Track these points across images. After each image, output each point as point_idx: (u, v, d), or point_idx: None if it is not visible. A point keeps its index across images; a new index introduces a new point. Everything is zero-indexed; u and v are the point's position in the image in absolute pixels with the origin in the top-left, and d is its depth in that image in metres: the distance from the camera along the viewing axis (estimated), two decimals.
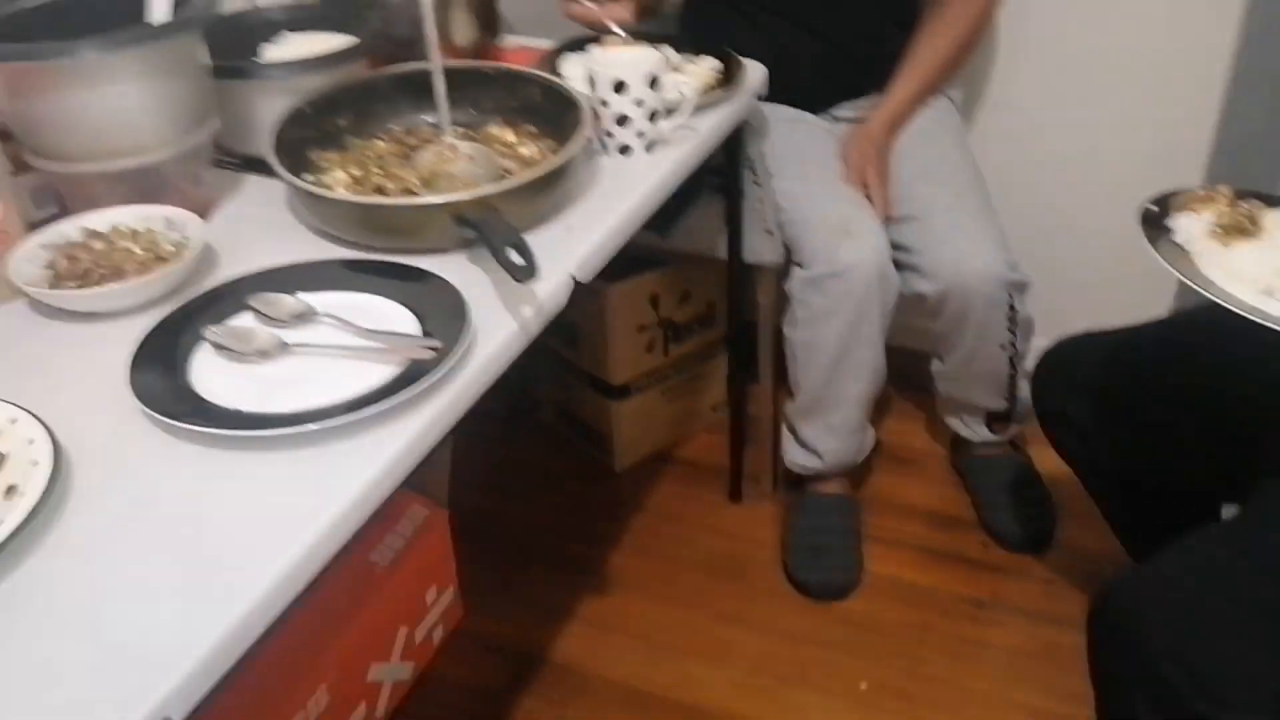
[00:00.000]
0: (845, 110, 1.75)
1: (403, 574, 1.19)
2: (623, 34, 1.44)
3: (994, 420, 1.78)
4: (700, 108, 1.31)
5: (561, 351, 1.96)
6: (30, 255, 1.00)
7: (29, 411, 0.82)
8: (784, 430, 1.76)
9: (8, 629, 0.69)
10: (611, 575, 1.78)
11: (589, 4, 1.48)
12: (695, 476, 1.96)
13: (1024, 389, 1.72)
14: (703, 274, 1.86)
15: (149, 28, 1.05)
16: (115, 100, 1.02)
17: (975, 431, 1.80)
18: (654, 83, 1.22)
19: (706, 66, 1.43)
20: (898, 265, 1.56)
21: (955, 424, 1.82)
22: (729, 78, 1.41)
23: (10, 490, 0.75)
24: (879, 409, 1.76)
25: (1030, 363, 1.65)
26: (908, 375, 1.90)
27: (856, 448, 1.73)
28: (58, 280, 0.99)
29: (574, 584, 1.76)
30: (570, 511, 1.91)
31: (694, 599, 1.73)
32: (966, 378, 1.70)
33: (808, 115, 1.72)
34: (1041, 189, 1.96)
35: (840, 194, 1.58)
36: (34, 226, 1.06)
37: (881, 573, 1.75)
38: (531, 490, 1.95)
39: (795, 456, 1.75)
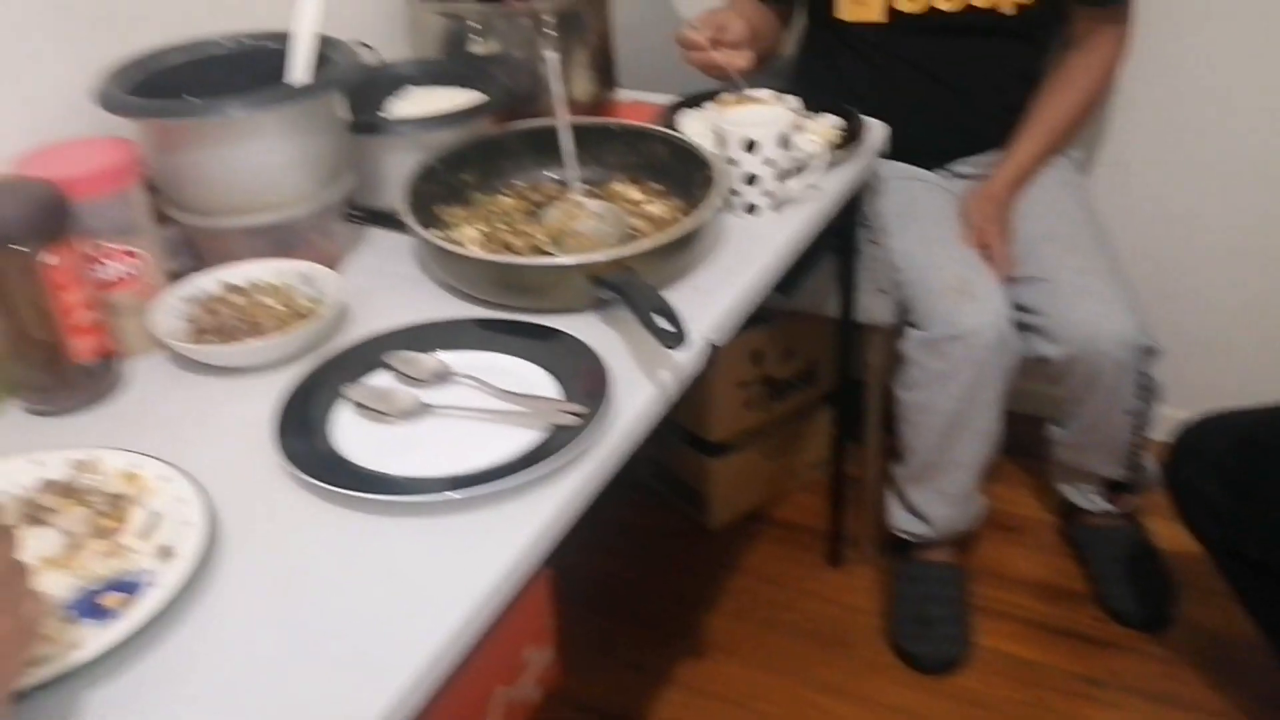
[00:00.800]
0: (964, 167, 1.72)
1: (503, 632, 1.16)
2: (744, 86, 1.42)
3: (1112, 490, 1.71)
4: (827, 166, 1.29)
5: None
6: (170, 308, 1.01)
7: (180, 470, 0.81)
8: (890, 494, 1.71)
9: (166, 695, 0.67)
10: (707, 638, 1.74)
11: (712, 52, 1.46)
12: (793, 538, 1.92)
13: (1147, 459, 1.66)
14: (807, 330, 1.83)
15: (294, 87, 1.06)
16: (259, 157, 1.02)
17: (1091, 501, 1.74)
18: (784, 141, 1.20)
19: (829, 124, 1.41)
20: (1020, 327, 1.52)
21: (1070, 492, 1.76)
22: (851, 135, 1.39)
23: (165, 551, 0.74)
24: (986, 473, 1.71)
25: (1155, 432, 1.61)
26: (1017, 439, 1.84)
27: (968, 515, 1.68)
28: (198, 334, 0.99)
29: (669, 645, 1.72)
30: (665, 570, 1.88)
31: (792, 666, 1.68)
32: (1087, 445, 1.64)
33: (924, 172, 1.69)
34: (1163, 251, 1.90)
35: (960, 255, 1.55)
36: (170, 278, 1.07)
37: (990, 646, 1.68)
38: (625, 547, 1.92)
39: (902, 522, 1.70)
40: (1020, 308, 1.52)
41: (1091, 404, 1.54)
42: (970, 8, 1.57)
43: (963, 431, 1.55)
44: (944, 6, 1.57)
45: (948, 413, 1.53)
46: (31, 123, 1.05)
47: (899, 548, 1.76)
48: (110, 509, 0.77)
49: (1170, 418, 1.53)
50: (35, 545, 0.73)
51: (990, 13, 1.57)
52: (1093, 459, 1.67)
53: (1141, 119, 1.84)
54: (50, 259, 0.87)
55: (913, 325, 1.54)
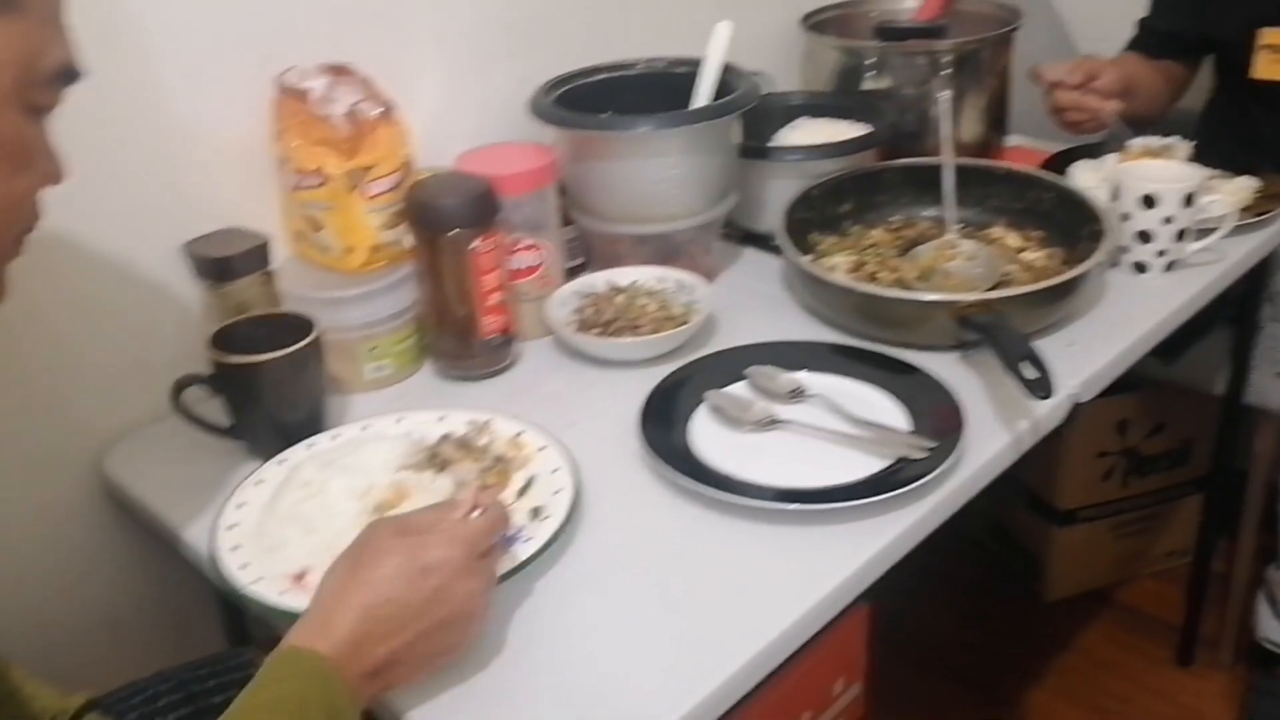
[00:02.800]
0: None
1: (817, 658, 1.17)
2: (1125, 135, 1.35)
3: None
4: (1233, 231, 1.19)
5: None
6: (564, 300, 1.12)
7: (557, 441, 0.90)
8: (1261, 598, 1.54)
9: (522, 636, 0.76)
10: (1032, 712, 1.65)
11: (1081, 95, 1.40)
12: (1137, 626, 1.77)
13: None
14: (1184, 406, 1.69)
15: (695, 110, 1.14)
16: (657, 172, 1.11)
17: None
18: (1190, 200, 1.13)
19: (1243, 185, 1.30)
20: None
21: None
22: (1268, 200, 1.28)
23: (536, 511, 0.83)
24: None
25: None
26: None
27: None
28: (583, 326, 1.09)
29: (987, 710, 1.65)
30: (990, 633, 1.80)
31: None
32: None
33: None
34: None
35: None
36: (566, 274, 1.18)
37: None
38: (949, 601, 1.86)
39: (1270, 631, 1.53)
40: None
41: None
42: None
43: None
44: None
45: None
46: (477, 127, 1.21)
47: (1262, 660, 1.57)
48: (496, 467, 0.88)
49: None
50: (433, 487, 0.84)
51: None
52: None
53: None
54: (478, 245, 1.00)
55: None
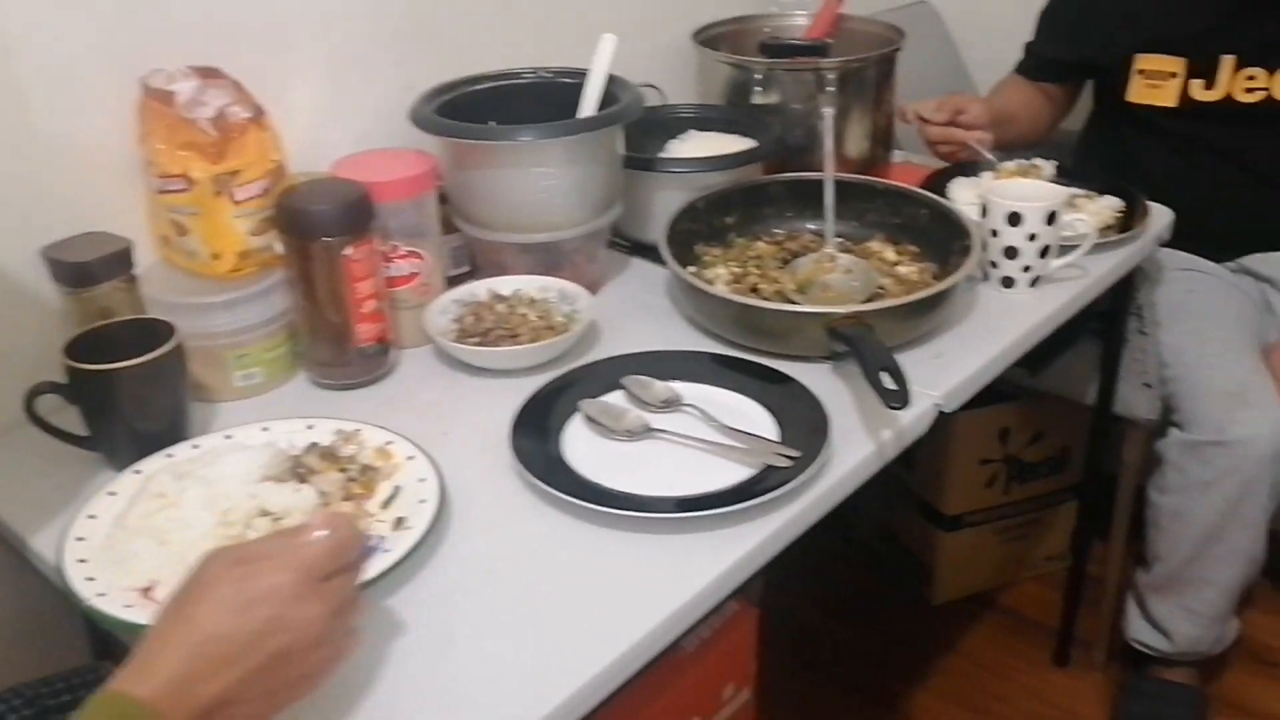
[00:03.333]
0: (1255, 263, 1.60)
1: (706, 664, 1.19)
2: (994, 161, 1.40)
3: None
4: (1095, 248, 1.24)
5: (893, 469, 1.90)
6: (444, 308, 1.12)
7: (425, 452, 0.90)
8: (1130, 601, 1.60)
9: (375, 649, 0.75)
10: (915, 714, 1.69)
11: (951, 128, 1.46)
12: (1018, 629, 1.83)
13: None
14: (1062, 415, 1.75)
15: (583, 120, 1.15)
16: (542, 181, 1.11)
17: None
18: (1052, 218, 1.17)
19: (1106, 204, 1.36)
20: None
21: None
22: (1130, 219, 1.33)
23: (400, 522, 0.83)
24: (1246, 597, 1.56)
25: None
26: None
27: (1215, 638, 1.54)
28: (462, 334, 1.09)
29: (871, 713, 1.69)
30: (878, 635, 1.84)
31: None
32: None
33: (1209, 264, 1.59)
34: None
35: (1238, 358, 1.44)
36: (449, 282, 1.18)
37: None
38: (839, 605, 1.90)
39: (1139, 633, 1.59)
40: None
41: None
42: (1271, 100, 1.49)
43: (1218, 546, 1.43)
44: (1242, 98, 1.50)
45: (1204, 524, 1.42)
46: (360, 133, 1.20)
47: (1133, 660, 1.64)
48: (361, 477, 0.87)
49: None
50: (293, 498, 0.83)
51: None
52: None
53: None
54: (352, 252, 0.99)
55: (1176, 425, 1.44)
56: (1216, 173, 1.54)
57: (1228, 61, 1.49)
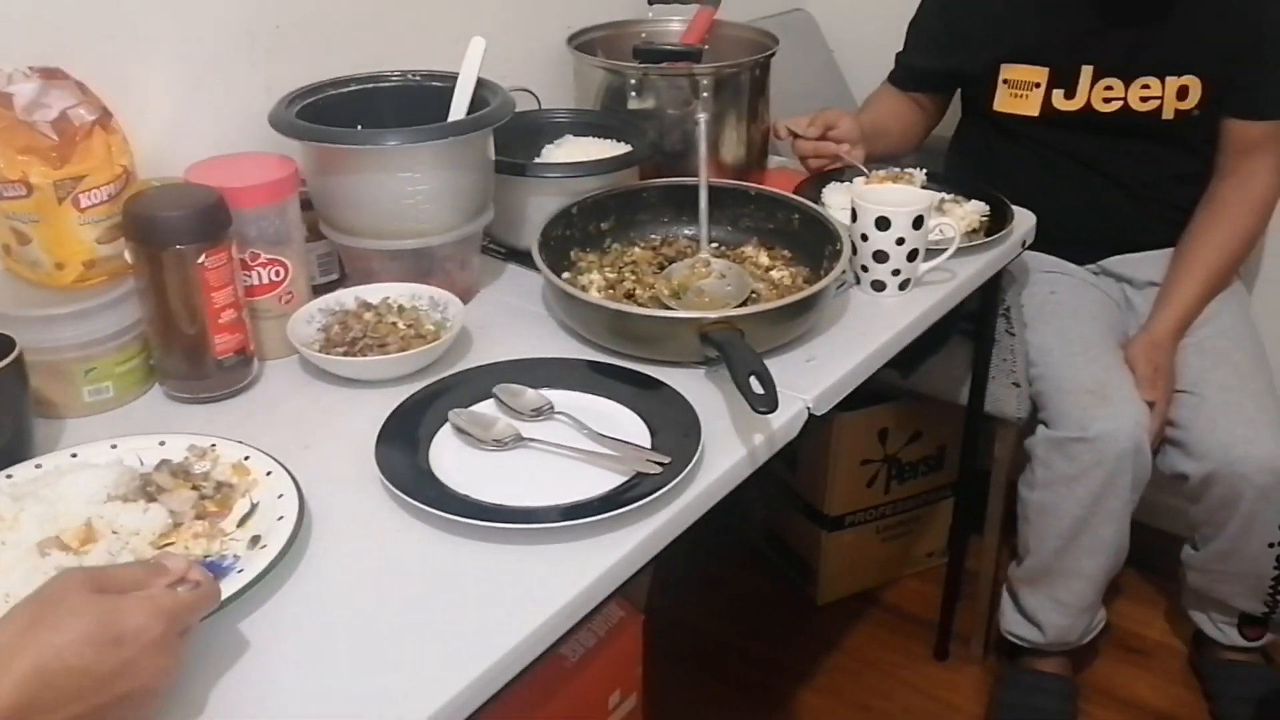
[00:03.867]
0: (1115, 264, 1.67)
1: (591, 673, 1.18)
2: (865, 172, 1.43)
3: (1247, 624, 1.60)
4: (962, 251, 1.27)
5: (778, 472, 1.93)
6: (309, 317, 1.08)
7: (284, 466, 0.87)
8: (1005, 594, 1.65)
9: (230, 675, 0.72)
10: (799, 713, 1.71)
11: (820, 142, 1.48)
12: (900, 625, 1.87)
13: None
14: (938, 415, 1.79)
15: (449, 124, 1.13)
16: (409, 186, 1.09)
17: (1223, 633, 1.63)
18: (918, 222, 1.19)
19: (973, 209, 1.39)
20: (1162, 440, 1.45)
21: (1201, 620, 1.65)
22: (996, 223, 1.37)
23: (255, 540, 0.80)
24: (1113, 587, 1.62)
25: None
26: (1152, 557, 1.74)
27: (1084, 628, 1.60)
28: (328, 344, 1.06)
29: (758, 713, 1.70)
30: (764, 637, 1.86)
31: None
32: (1222, 573, 1.54)
33: (1071, 267, 1.65)
34: None
35: (1098, 356, 1.49)
36: (316, 290, 1.15)
37: None
38: (727, 608, 1.91)
39: (1012, 625, 1.64)
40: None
41: (1229, 530, 1.45)
42: (1128, 109, 1.54)
43: (1085, 539, 1.48)
44: (1101, 108, 1.55)
45: (1071, 517, 1.47)
46: (219, 137, 1.16)
47: (1009, 651, 1.69)
48: (216, 495, 0.84)
49: None
50: (141, 518, 0.79)
51: (1149, 115, 1.54)
52: (1227, 588, 1.56)
53: None
54: (205, 260, 0.95)
55: (1043, 423, 1.49)
56: (1077, 180, 1.60)
57: (1087, 72, 1.55)
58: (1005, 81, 1.60)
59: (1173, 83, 1.52)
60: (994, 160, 1.65)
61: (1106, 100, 1.55)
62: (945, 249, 1.24)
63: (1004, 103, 1.61)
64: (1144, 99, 1.54)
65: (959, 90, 1.72)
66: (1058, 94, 1.57)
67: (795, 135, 1.49)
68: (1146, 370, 1.50)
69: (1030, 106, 1.59)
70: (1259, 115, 1.54)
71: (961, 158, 1.73)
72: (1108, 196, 1.62)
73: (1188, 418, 1.45)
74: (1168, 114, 1.54)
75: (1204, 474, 1.43)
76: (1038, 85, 1.58)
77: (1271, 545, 1.46)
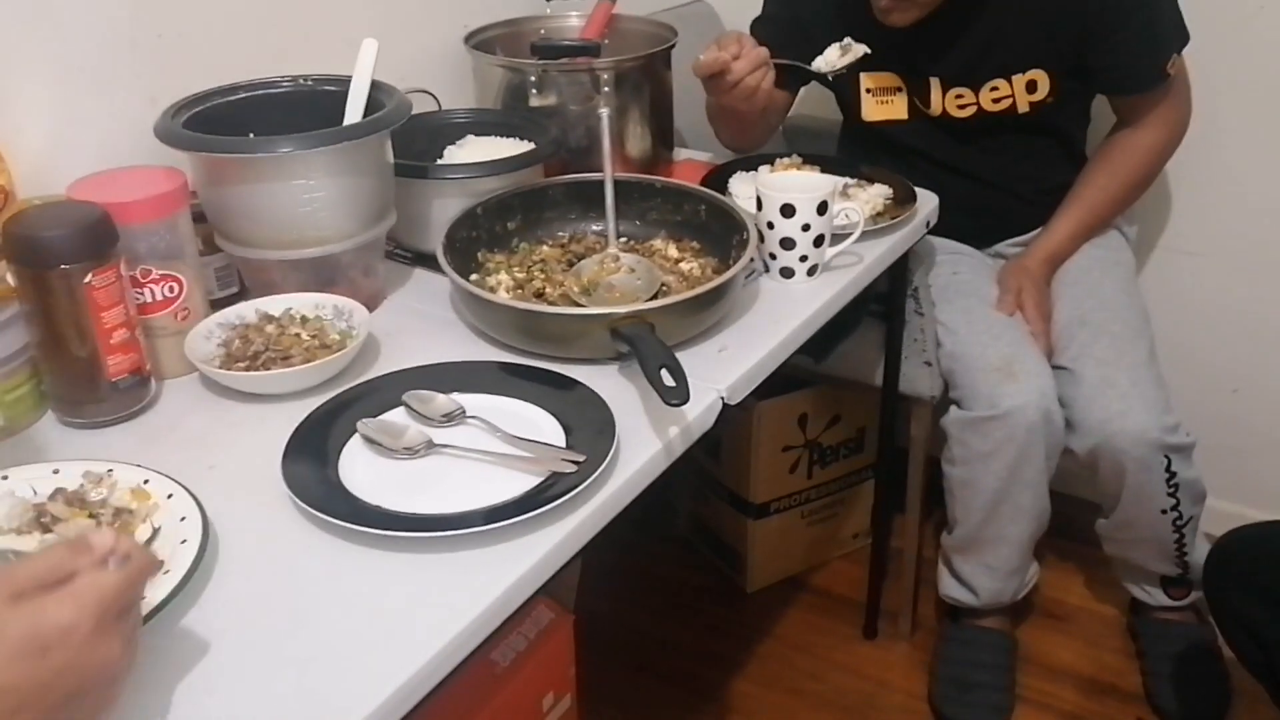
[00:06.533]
0: (1008, 248, 1.71)
1: (523, 676, 1.17)
2: (792, 157, 1.44)
3: (1169, 585, 1.65)
4: (867, 234, 1.29)
5: (703, 463, 1.94)
6: (208, 333, 1.05)
7: (185, 488, 0.84)
8: (940, 562, 1.68)
9: (132, 711, 0.69)
10: (733, 702, 1.71)
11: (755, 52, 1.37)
12: (829, 607, 1.88)
13: (1200, 554, 1.59)
14: (855, 398, 1.81)
15: (343, 129, 1.10)
16: (304, 194, 1.06)
17: (1150, 595, 1.67)
18: (823, 208, 1.20)
19: (876, 193, 1.41)
20: None
21: (1130, 585, 1.70)
22: (899, 205, 1.39)
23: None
24: (1036, 552, 1.66)
25: (1206, 524, 1.55)
26: (1073, 524, 1.78)
27: (1015, 588, 1.64)
28: (229, 360, 1.03)
29: (693, 705, 1.70)
30: (696, 629, 1.86)
31: None
32: (1129, 540, 1.59)
33: (971, 249, 1.68)
34: (1232, 344, 1.85)
35: (1002, 333, 1.52)
36: (215, 304, 1.12)
37: None
38: (658, 602, 1.91)
39: (949, 589, 1.67)
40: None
41: (1123, 501, 1.50)
42: (982, 112, 1.56)
43: (1006, 508, 1.52)
44: (957, 114, 1.57)
45: (991, 490, 1.50)
46: (101, 152, 1.12)
47: (950, 613, 1.72)
48: (115, 521, 0.81)
49: (1240, 516, 1.46)
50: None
51: (1005, 114, 1.55)
52: (1139, 554, 1.61)
53: (1206, 203, 1.80)
54: (93, 280, 0.92)
55: (955, 402, 1.52)
56: (952, 180, 1.57)
57: (935, 83, 1.55)
58: (868, 90, 1.60)
59: (1019, 80, 1.52)
60: (877, 164, 1.64)
61: (961, 107, 1.56)
62: (850, 233, 1.25)
63: (871, 111, 1.61)
64: (995, 100, 1.54)
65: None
66: (917, 101, 1.58)
67: (717, 67, 1.35)
68: (1011, 289, 1.55)
69: (898, 111, 1.59)
70: (1126, 92, 1.57)
71: (851, 157, 1.73)
72: (983, 193, 1.63)
73: (1070, 395, 1.48)
74: (1023, 108, 1.54)
75: (1087, 449, 1.47)
76: (900, 90, 1.58)
77: (1164, 512, 1.50)
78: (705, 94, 1.46)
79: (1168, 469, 1.45)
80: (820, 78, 1.50)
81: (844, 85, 1.60)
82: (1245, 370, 1.86)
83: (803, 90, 1.66)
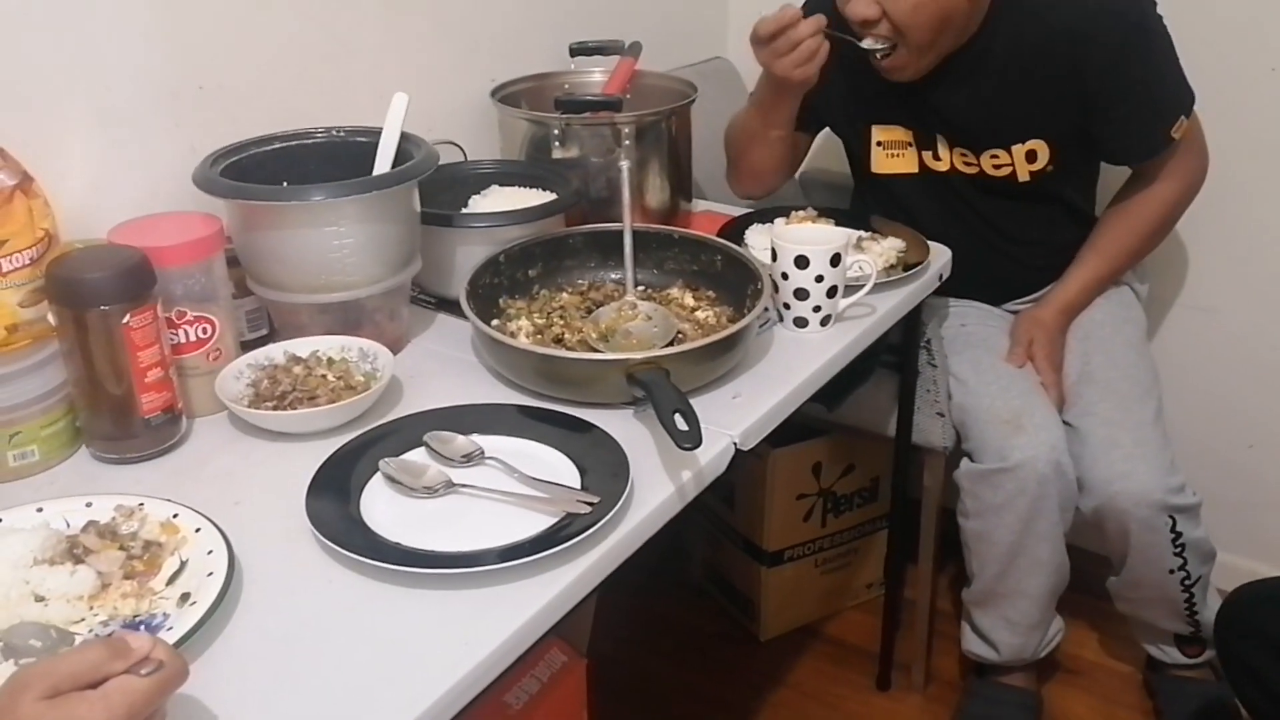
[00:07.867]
0: (1020, 306, 1.72)
1: (535, 719, 1.18)
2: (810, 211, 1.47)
3: (1183, 643, 1.64)
4: (881, 286, 1.31)
5: (717, 510, 1.95)
6: (238, 373, 1.09)
7: (213, 523, 0.87)
8: (962, 616, 1.68)
9: None
10: None
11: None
12: (842, 657, 1.89)
13: (1212, 611, 1.59)
14: (870, 447, 1.82)
15: (372, 178, 1.14)
16: (334, 240, 1.10)
17: (1166, 653, 1.66)
18: (836, 260, 1.23)
19: (890, 245, 1.44)
20: None
21: (1146, 644, 1.69)
22: (913, 258, 1.42)
23: (184, 598, 0.80)
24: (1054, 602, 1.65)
25: (1219, 579, 1.55)
26: (1088, 578, 1.77)
27: (1037, 643, 1.63)
28: (257, 399, 1.06)
29: None
30: (709, 675, 1.86)
31: None
32: (1139, 599, 1.59)
33: (983, 304, 1.70)
34: (1248, 399, 1.86)
35: (1011, 385, 1.53)
36: (246, 345, 1.15)
37: None
38: (671, 648, 1.92)
39: (970, 644, 1.67)
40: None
41: (1131, 560, 1.50)
42: (984, 174, 1.57)
43: (1022, 560, 1.52)
44: (963, 170, 1.58)
45: (1006, 543, 1.51)
46: (142, 198, 1.16)
47: (975, 668, 1.71)
48: (144, 554, 0.83)
49: (1252, 572, 1.47)
50: (68, 582, 0.79)
51: (1006, 179, 1.56)
52: (1150, 613, 1.61)
53: (1222, 259, 1.82)
54: (130, 320, 0.95)
55: (967, 455, 1.53)
56: (962, 236, 1.57)
57: (942, 139, 1.57)
58: (879, 144, 1.61)
59: (1019, 150, 1.53)
60: (891, 218, 1.66)
61: (966, 164, 1.58)
62: (864, 285, 1.28)
63: (881, 164, 1.62)
64: (996, 166, 1.55)
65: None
66: (927, 155, 1.59)
67: (776, 31, 1.37)
68: (1022, 341, 1.56)
69: (908, 165, 1.61)
70: (1129, 162, 1.59)
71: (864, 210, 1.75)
72: (993, 253, 1.64)
73: (1075, 453, 1.49)
74: (1023, 177, 1.55)
75: (1092, 508, 1.47)
76: (910, 145, 1.60)
77: (1172, 571, 1.49)
78: (754, 60, 1.46)
79: (1173, 529, 1.45)
80: (862, 59, 1.48)
81: (855, 138, 1.63)
82: (1263, 425, 1.86)
83: (817, 142, 1.70)
